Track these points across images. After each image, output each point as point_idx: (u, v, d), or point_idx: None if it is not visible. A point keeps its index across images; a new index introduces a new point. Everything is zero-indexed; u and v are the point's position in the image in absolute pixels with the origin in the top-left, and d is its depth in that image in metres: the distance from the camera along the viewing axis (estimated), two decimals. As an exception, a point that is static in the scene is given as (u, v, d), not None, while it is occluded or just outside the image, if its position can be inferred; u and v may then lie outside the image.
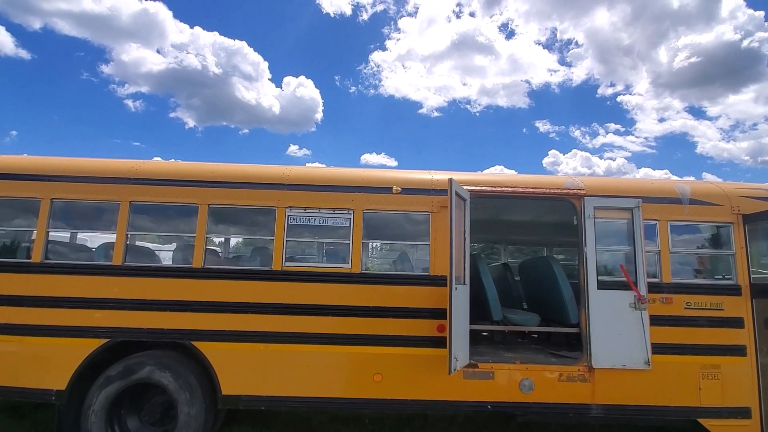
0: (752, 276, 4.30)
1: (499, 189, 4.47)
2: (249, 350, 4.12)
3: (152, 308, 4.14)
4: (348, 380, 4.09)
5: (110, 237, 4.36)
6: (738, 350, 4.16)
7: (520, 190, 4.47)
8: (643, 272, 4.17)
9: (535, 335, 5.60)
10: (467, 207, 4.27)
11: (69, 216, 4.60)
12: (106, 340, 4.08)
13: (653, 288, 4.20)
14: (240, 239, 5.41)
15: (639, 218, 4.27)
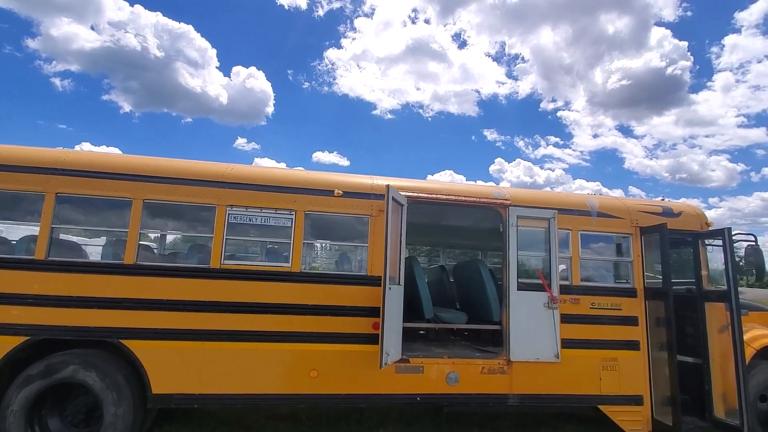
0: (646, 281, 4.96)
1: (435, 196, 4.79)
2: (182, 348, 4.09)
3: (78, 305, 3.99)
4: (284, 377, 4.19)
5: (33, 230, 4.15)
6: (633, 345, 4.77)
7: (453, 198, 4.83)
8: (556, 276, 4.67)
9: (467, 333, 6.00)
10: (404, 212, 4.54)
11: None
12: (26, 338, 3.88)
13: (564, 290, 4.71)
14: (177, 236, 5.30)
15: (554, 227, 4.78)
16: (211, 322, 4.16)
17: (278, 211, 4.47)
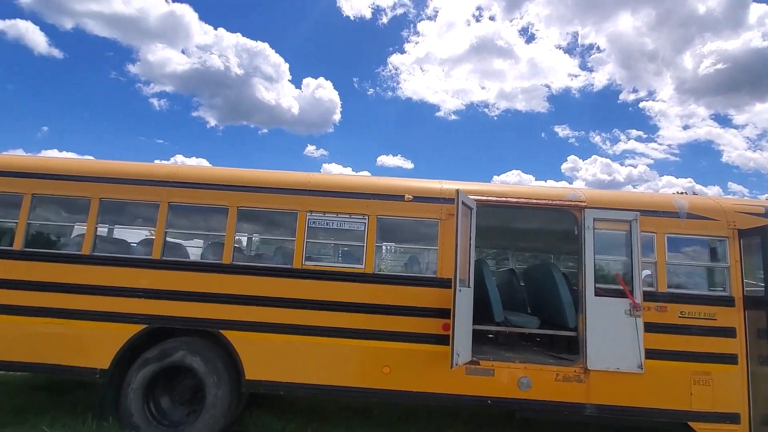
0: (746, 288, 4.51)
1: (505, 199, 4.79)
2: (271, 339, 4.53)
3: (185, 299, 4.60)
4: (359, 371, 4.46)
5: (142, 233, 4.87)
6: (730, 358, 4.37)
7: (524, 200, 4.79)
8: (639, 281, 4.42)
9: (539, 339, 5.86)
10: (473, 215, 4.60)
11: (109, 213, 5.13)
12: (144, 326, 4.56)
13: (648, 296, 4.45)
14: (261, 239, 5.85)
15: (636, 230, 4.53)
16: (294, 318, 4.55)
17: (352, 216, 4.77)
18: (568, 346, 5.16)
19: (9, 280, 4.66)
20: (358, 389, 4.44)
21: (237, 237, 4.91)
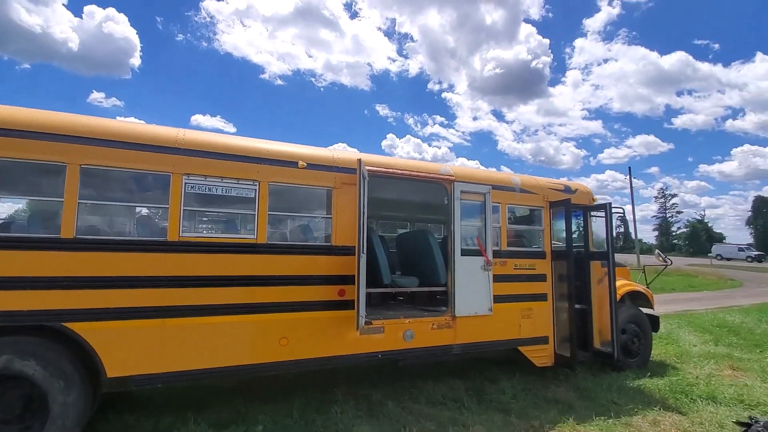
0: (552, 245, 6.10)
1: (392, 171, 5.12)
2: (140, 327, 3.81)
3: (6, 287, 3.41)
4: (254, 347, 4.21)
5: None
6: (543, 297, 5.89)
7: (408, 173, 5.22)
8: (490, 242, 5.46)
9: (401, 297, 6.59)
10: (366, 185, 4.78)
11: None
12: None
13: (495, 254, 5.55)
14: (119, 206, 4.69)
15: (489, 201, 5.53)
16: (172, 298, 3.93)
17: (241, 182, 4.32)
18: (430, 301, 6.02)
19: None
20: (254, 366, 4.20)
21: (86, 205, 3.86)
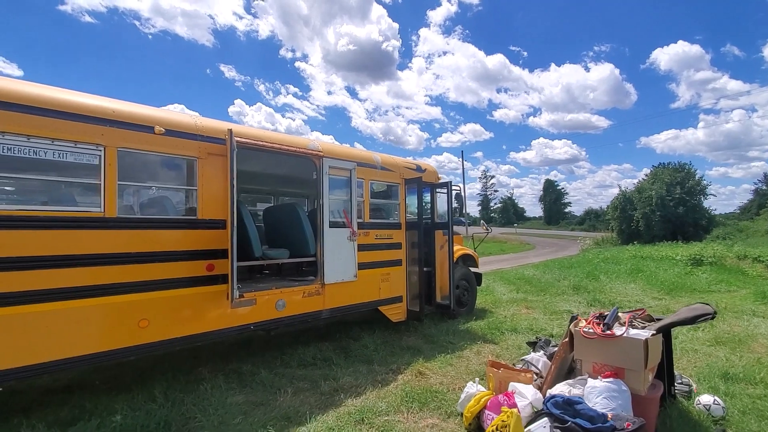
0: (406, 217, 6.94)
1: (261, 143, 5.03)
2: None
3: None
4: (108, 333, 3.76)
5: None
6: (398, 263, 6.70)
7: (278, 146, 5.22)
8: (355, 215, 5.93)
9: (267, 270, 6.62)
10: (235, 157, 4.62)
11: None
12: None
13: (360, 225, 6.05)
14: None
15: (354, 176, 5.96)
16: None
17: (78, 145, 3.70)
18: (297, 272, 6.24)
19: None
20: (108, 353, 3.77)
21: None
